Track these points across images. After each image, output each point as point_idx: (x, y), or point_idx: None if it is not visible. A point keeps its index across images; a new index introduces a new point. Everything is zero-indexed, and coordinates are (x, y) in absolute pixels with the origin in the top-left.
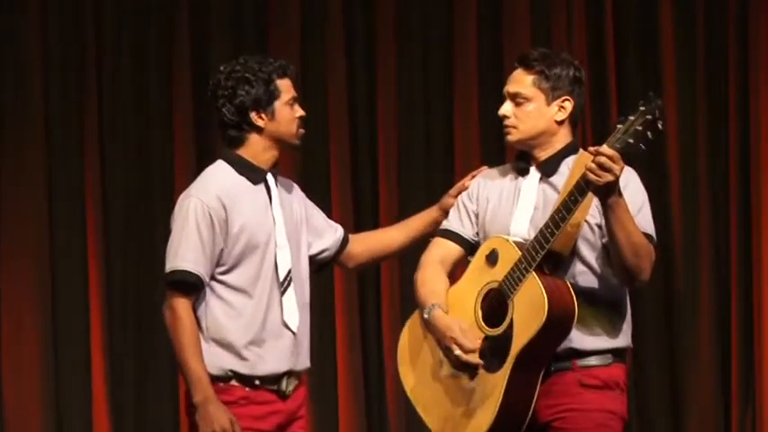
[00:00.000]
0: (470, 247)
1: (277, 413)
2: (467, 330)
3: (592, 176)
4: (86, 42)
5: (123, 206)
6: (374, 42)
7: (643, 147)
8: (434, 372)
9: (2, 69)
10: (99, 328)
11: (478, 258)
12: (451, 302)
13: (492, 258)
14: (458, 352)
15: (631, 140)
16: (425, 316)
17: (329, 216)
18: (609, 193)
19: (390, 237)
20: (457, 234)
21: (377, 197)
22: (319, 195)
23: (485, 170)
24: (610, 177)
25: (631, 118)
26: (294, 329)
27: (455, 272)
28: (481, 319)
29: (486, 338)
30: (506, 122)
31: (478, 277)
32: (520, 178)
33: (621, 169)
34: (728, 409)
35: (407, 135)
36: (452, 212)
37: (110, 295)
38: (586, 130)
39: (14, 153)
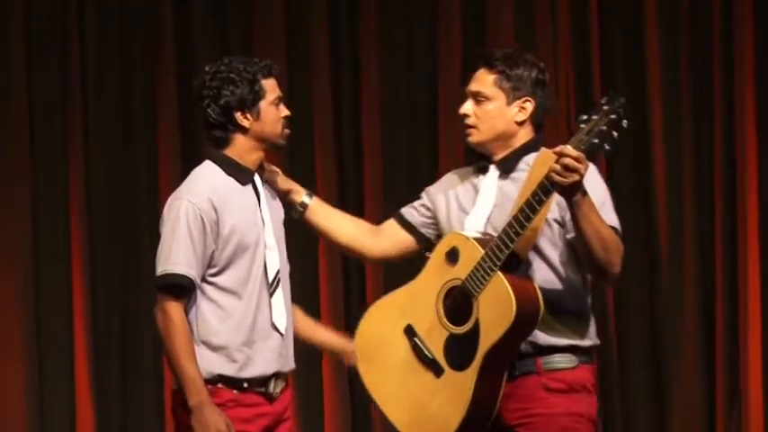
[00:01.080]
0: (406, 225)
1: (264, 415)
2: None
3: (557, 178)
4: (70, 42)
5: (107, 208)
6: (358, 45)
7: (608, 147)
8: (397, 368)
9: None
10: (83, 332)
11: (437, 255)
12: (411, 299)
13: (452, 256)
14: None
15: (596, 141)
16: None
17: None
18: (574, 192)
19: (300, 328)
20: (402, 217)
21: (362, 199)
22: None
23: None
24: (575, 177)
25: (595, 117)
26: (282, 330)
27: (388, 243)
28: (444, 317)
29: (451, 336)
30: (466, 121)
31: (438, 274)
32: (480, 176)
33: (586, 169)
34: (713, 409)
35: (392, 137)
36: None
37: (94, 299)
38: (570, 120)
39: None
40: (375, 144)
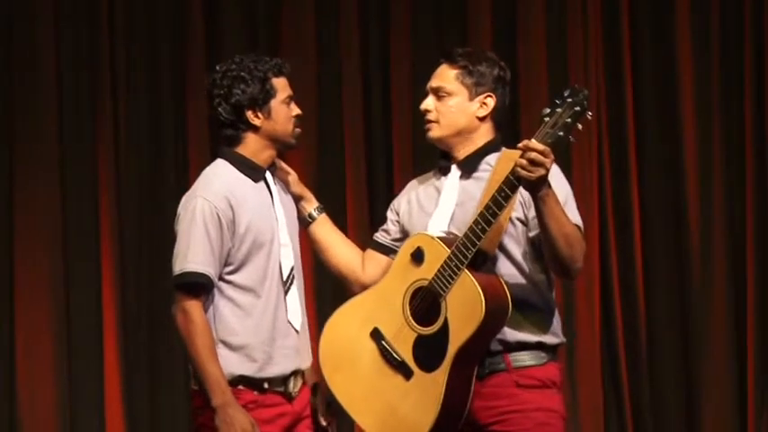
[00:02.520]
0: (382, 249)
1: (285, 415)
2: None
3: (523, 173)
4: (101, 44)
5: (137, 204)
6: (389, 45)
7: (572, 139)
8: (365, 373)
9: (15, 64)
10: (113, 333)
11: (402, 256)
12: (376, 302)
13: (418, 256)
14: None
15: (562, 134)
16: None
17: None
18: (540, 186)
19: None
20: (377, 242)
21: (391, 191)
22: (334, 201)
23: None
24: (542, 172)
25: (559, 110)
26: (298, 328)
27: (374, 272)
28: (411, 319)
29: (419, 338)
30: (428, 117)
31: (404, 276)
32: (442, 177)
33: (552, 162)
34: (745, 412)
35: (422, 138)
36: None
37: (124, 300)
38: (602, 124)
39: (28, 155)
40: (405, 141)
